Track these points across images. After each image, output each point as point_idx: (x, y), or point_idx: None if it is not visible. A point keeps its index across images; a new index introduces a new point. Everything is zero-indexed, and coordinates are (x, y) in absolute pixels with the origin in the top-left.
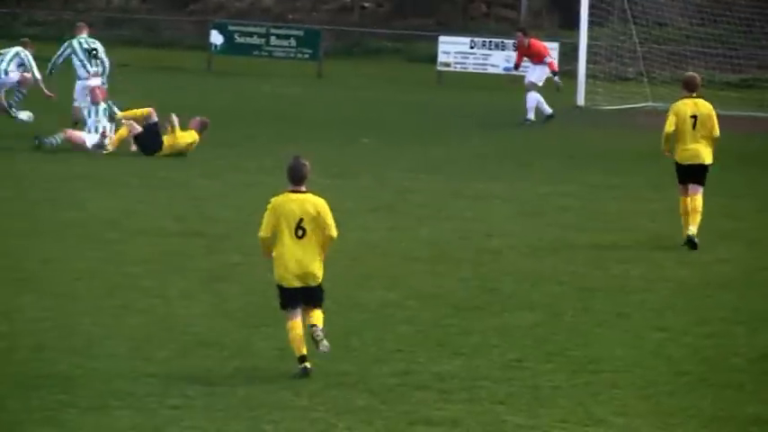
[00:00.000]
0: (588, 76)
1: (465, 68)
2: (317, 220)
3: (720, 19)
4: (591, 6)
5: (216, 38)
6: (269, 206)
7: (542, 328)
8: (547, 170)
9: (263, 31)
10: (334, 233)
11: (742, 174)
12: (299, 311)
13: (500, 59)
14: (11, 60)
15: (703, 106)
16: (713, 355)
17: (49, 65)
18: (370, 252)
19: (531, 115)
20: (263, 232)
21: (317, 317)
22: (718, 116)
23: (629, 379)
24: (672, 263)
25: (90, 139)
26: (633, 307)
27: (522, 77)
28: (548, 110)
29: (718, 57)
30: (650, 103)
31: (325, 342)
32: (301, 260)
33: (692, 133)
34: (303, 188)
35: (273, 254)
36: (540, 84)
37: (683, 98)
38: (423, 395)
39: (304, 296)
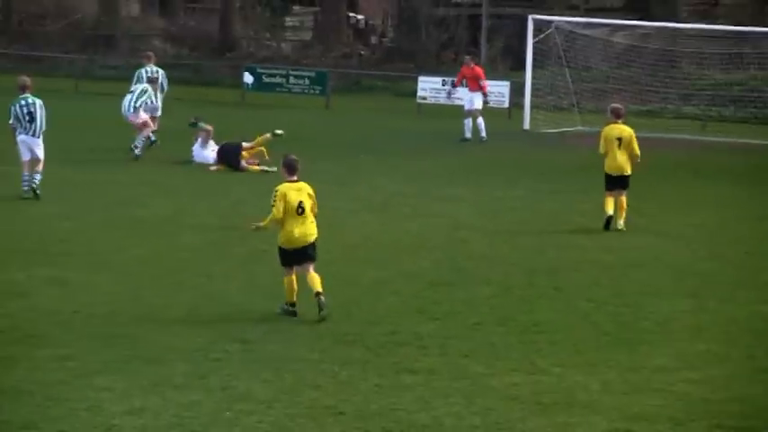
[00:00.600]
0: (532, 107)
1: (438, 101)
2: (311, 199)
3: (632, 63)
4: (534, 53)
5: (248, 78)
6: (277, 193)
7: (497, 299)
8: (501, 179)
9: (284, 72)
10: (316, 209)
11: (648, 181)
12: (293, 269)
13: (464, 94)
14: (138, 98)
15: (626, 130)
16: (629, 319)
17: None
18: (366, 241)
19: (484, 134)
20: (279, 214)
21: (317, 282)
22: (636, 137)
23: (565, 338)
24: (596, 249)
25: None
26: (567, 283)
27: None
28: (468, 135)
29: (630, 91)
30: (580, 128)
31: (324, 311)
32: (302, 230)
33: (618, 151)
34: (295, 177)
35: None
36: (480, 108)
37: (610, 123)
38: (406, 350)
39: (303, 255)
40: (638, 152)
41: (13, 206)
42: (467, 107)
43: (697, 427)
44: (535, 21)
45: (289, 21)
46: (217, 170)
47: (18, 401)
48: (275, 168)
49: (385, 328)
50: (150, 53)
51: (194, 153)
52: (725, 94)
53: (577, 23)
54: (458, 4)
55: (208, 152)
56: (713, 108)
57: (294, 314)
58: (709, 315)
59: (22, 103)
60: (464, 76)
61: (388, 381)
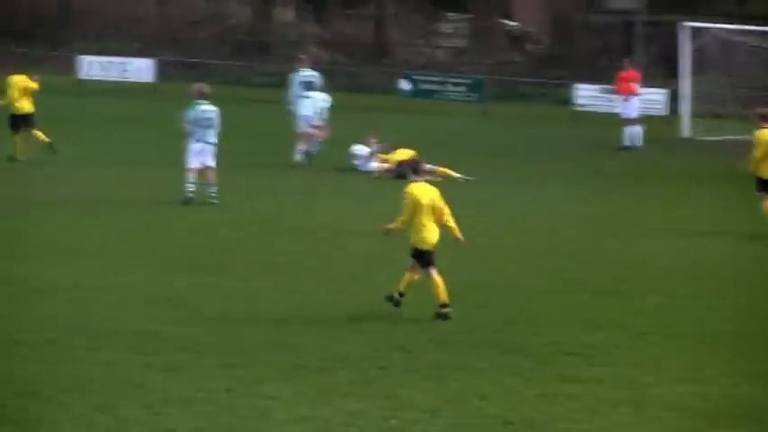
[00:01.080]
0: (691, 115)
1: (594, 108)
2: (437, 201)
3: None
4: (693, 62)
5: (404, 85)
6: (406, 195)
7: (661, 308)
8: (662, 187)
9: (441, 79)
10: (449, 218)
11: None
12: (417, 267)
13: (619, 102)
14: (321, 106)
15: None
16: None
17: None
18: (527, 249)
19: (640, 142)
20: (406, 216)
21: (444, 291)
22: None
23: (732, 348)
24: None
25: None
26: (735, 292)
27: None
28: (627, 143)
29: None
30: (742, 136)
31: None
32: (431, 230)
33: None
34: (422, 179)
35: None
36: (636, 117)
37: (762, 128)
38: (571, 360)
39: (427, 255)
40: None
41: (177, 213)
42: (623, 114)
43: None
44: (692, 29)
45: (444, 27)
46: (378, 177)
47: (186, 410)
48: (460, 176)
49: (550, 337)
50: (303, 56)
51: (357, 161)
52: None
53: (734, 31)
54: (612, 12)
55: (372, 160)
56: None
57: (398, 304)
58: None
59: (200, 109)
60: (623, 80)
61: (554, 390)
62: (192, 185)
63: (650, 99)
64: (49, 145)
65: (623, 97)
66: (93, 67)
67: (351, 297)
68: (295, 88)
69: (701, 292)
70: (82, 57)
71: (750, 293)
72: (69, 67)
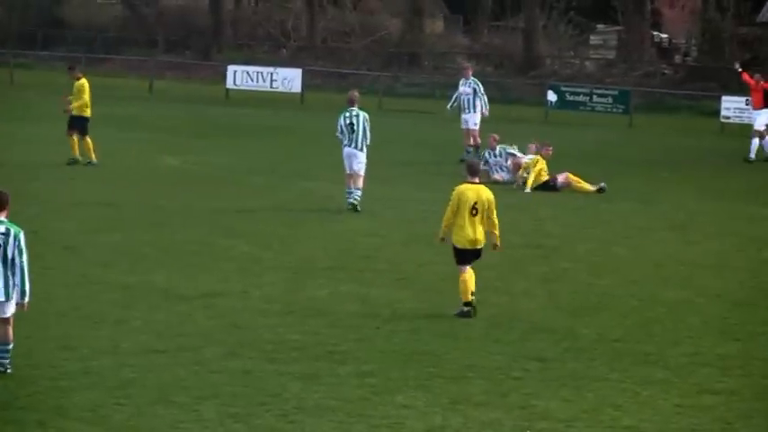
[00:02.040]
0: None
1: (742, 120)
2: (486, 204)
3: None
4: None
5: (551, 96)
6: (453, 193)
7: None
8: None
9: (587, 91)
10: (496, 219)
11: None
12: (467, 267)
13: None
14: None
15: None
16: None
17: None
18: (668, 260)
19: (753, 155)
20: (449, 213)
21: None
22: None
23: None
24: None
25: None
26: None
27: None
28: (752, 155)
29: None
30: None
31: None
32: (474, 231)
33: None
34: (477, 180)
35: (453, 226)
36: (763, 129)
37: None
38: (708, 371)
39: (472, 255)
40: None
41: (321, 221)
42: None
43: None
44: None
45: (593, 39)
46: (518, 187)
47: (321, 417)
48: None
49: (686, 348)
50: (467, 65)
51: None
52: None
53: None
54: (762, 24)
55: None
56: None
57: (468, 315)
58: None
59: (347, 114)
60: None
61: (689, 401)
62: (349, 192)
63: None
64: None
65: (755, 109)
66: (241, 76)
67: (487, 307)
68: (459, 94)
69: None
70: (230, 66)
71: None
72: (218, 77)
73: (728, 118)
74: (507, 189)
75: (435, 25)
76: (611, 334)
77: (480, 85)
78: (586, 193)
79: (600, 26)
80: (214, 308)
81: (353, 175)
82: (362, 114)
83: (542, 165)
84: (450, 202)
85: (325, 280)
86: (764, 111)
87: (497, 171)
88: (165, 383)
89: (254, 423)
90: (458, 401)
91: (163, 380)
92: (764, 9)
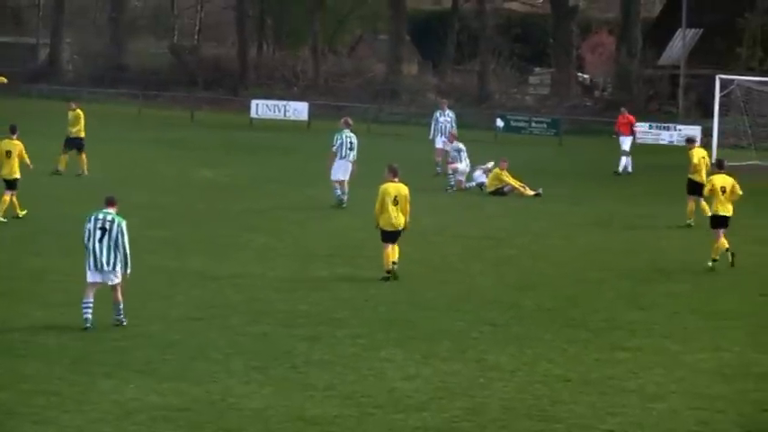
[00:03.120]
0: (718, 145)
1: (645, 142)
2: (404, 197)
3: None
4: (720, 104)
5: (499, 122)
6: (380, 190)
7: (690, 293)
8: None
9: (527, 119)
10: (408, 209)
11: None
12: (389, 245)
13: (666, 136)
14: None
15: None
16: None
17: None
18: (592, 248)
19: (620, 169)
20: (378, 205)
21: (396, 254)
22: None
23: (743, 324)
24: None
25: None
26: (746, 281)
27: None
28: (620, 170)
29: None
30: (757, 162)
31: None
32: (396, 217)
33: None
34: (396, 179)
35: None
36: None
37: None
38: (619, 333)
39: (395, 236)
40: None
41: (321, 220)
42: (622, 147)
43: None
44: (721, 80)
45: (531, 79)
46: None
47: (322, 369)
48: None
49: (603, 315)
50: (445, 100)
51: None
52: None
53: (755, 81)
54: (662, 66)
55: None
56: None
57: (387, 279)
58: None
59: (346, 134)
60: (623, 124)
61: (605, 356)
62: (339, 193)
63: (689, 134)
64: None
65: (623, 135)
66: (261, 108)
67: (451, 285)
68: (435, 123)
69: (719, 279)
70: (253, 100)
71: (761, 283)
72: (244, 108)
73: (639, 138)
74: (469, 194)
75: (411, 68)
76: (546, 304)
77: (454, 116)
78: (527, 197)
79: (537, 69)
80: (239, 285)
81: (344, 181)
82: (355, 136)
83: (502, 175)
84: (378, 197)
85: (325, 264)
86: (631, 137)
87: (469, 182)
88: (202, 343)
89: (271, 373)
90: (428, 357)
91: (200, 341)
92: (663, 55)
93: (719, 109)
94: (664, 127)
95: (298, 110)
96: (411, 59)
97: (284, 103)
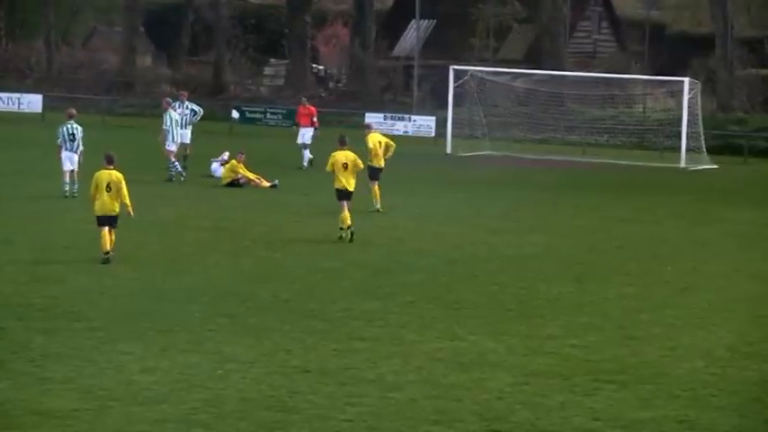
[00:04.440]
0: (453, 136)
1: (381, 131)
2: (117, 183)
3: (529, 102)
4: (454, 95)
5: (235, 114)
6: (94, 177)
7: (426, 283)
8: (428, 191)
9: (263, 110)
10: (126, 193)
11: (541, 193)
12: (106, 228)
13: (400, 126)
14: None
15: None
16: (526, 298)
17: None
18: (326, 238)
19: (306, 163)
20: (92, 189)
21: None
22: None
23: (478, 313)
24: (502, 245)
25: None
26: (480, 270)
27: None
28: (305, 164)
29: (527, 124)
30: (489, 152)
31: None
32: (108, 203)
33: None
34: (112, 167)
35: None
36: (310, 142)
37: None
38: (357, 323)
39: (108, 221)
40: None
41: (55, 212)
42: (300, 141)
43: (580, 381)
44: (455, 70)
45: (267, 70)
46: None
47: (59, 362)
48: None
49: (341, 305)
50: (184, 92)
51: (214, 170)
52: (600, 126)
53: (487, 72)
54: (396, 57)
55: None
56: (591, 137)
57: (341, 238)
58: (589, 295)
59: (68, 126)
60: (303, 115)
61: (344, 346)
62: (68, 185)
63: (422, 125)
64: None
65: (303, 127)
66: None
67: (187, 276)
68: (172, 116)
69: (456, 270)
70: None
71: (493, 272)
72: None
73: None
74: (204, 185)
75: (145, 60)
76: (282, 295)
77: (197, 107)
78: (263, 188)
79: (272, 60)
80: None
81: (74, 171)
82: (79, 127)
83: (238, 167)
84: (330, 162)
85: (61, 256)
86: (312, 129)
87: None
88: None
89: (8, 367)
90: (166, 349)
91: None
92: (397, 46)
93: (453, 99)
94: (398, 117)
95: (32, 102)
96: (146, 51)
97: (18, 95)
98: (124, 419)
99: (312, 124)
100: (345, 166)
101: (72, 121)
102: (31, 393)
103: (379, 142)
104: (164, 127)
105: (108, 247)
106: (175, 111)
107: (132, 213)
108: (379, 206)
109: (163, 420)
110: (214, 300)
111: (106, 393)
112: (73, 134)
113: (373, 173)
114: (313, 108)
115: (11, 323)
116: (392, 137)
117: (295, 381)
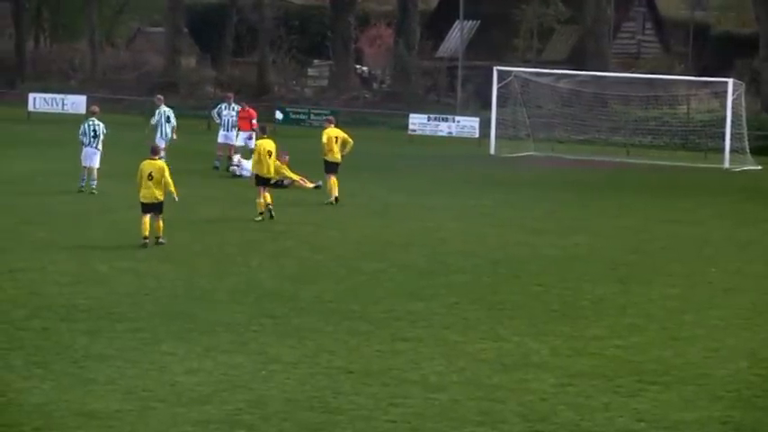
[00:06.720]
0: (497, 137)
1: (424, 132)
2: (159, 172)
3: (573, 103)
4: (498, 96)
5: (279, 115)
6: (139, 167)
7: (470, 284)
8: (472, 191)
9: (306, 110)
10: (170, 180)
11: (585, 193)
12: (148, 216)
13: (444, 127)
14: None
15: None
16: (570, 299)
17: None
18: (368, 239)
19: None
20: (137, 178)
21: (160, 227)
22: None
23: (521, 314)
24: (545, 245)
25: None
26: (523, 271)
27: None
28: (218, 164)
29: (571, 124)
30: (533, 153)
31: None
32: (150, 191)
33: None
34: (157, 158)
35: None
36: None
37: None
38: (400, 324)
39: (153, 208)
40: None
41: (101, 213)
42: (223, 140)
43: (624, 382)
44: (499, 71)
45: (310, 71)
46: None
47: (102, 363)
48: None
49: (384, 306)
50: (231, 94)
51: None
52: (644, 127)
53: (531, 73)
54: (440, 58)
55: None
56: (635, 138)
57: (145, 245)
58: (632, 296)
59: (89, 123)
60: (243, 119)
61: (386, 347)
62: (84, 180)
63: (466, 126)
64: None
65: (242, 131)
66: (39, 101)
67: (229, 276)
68: (222, 114)
69: (499, 271)
70: (31, 93)
71: (537, 273)
72: (22, 101)
73: (414, 131)
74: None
75: (189, 61)
76: (325, 296)
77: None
78: (306, 189)
79: (316, 61)
80: (18, 280)
81: (92, 169)
82: (102, 124)
83: (282, 169)
84: (323, 139)
85: (105, 258)
86: (250, 132)
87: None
88: None
89: (52, 368)
90: (209, 350)
91: None
92: (441, 47)
93: (497, 100)
94: (442, 118)
95: (76, 103)
96: (190, 52)
97: (62, 96)
98: (167, 420)
99: (251, 127)
100: (151, 177)
101: (94, 118)
102: (75, 394)
103: (336, 138)
104: (151, 122)
105: (147, 233)
106: (223, 111)
107: (176, 198)
108: (332, 199)
109: (206, 421)
110: (257, 300)
111: (149, 394)
112: (94, 131)
113: (329, 167)
114: (253, 111)
115: (54, 324)
116: (436, 138)
117: (338, 382)
